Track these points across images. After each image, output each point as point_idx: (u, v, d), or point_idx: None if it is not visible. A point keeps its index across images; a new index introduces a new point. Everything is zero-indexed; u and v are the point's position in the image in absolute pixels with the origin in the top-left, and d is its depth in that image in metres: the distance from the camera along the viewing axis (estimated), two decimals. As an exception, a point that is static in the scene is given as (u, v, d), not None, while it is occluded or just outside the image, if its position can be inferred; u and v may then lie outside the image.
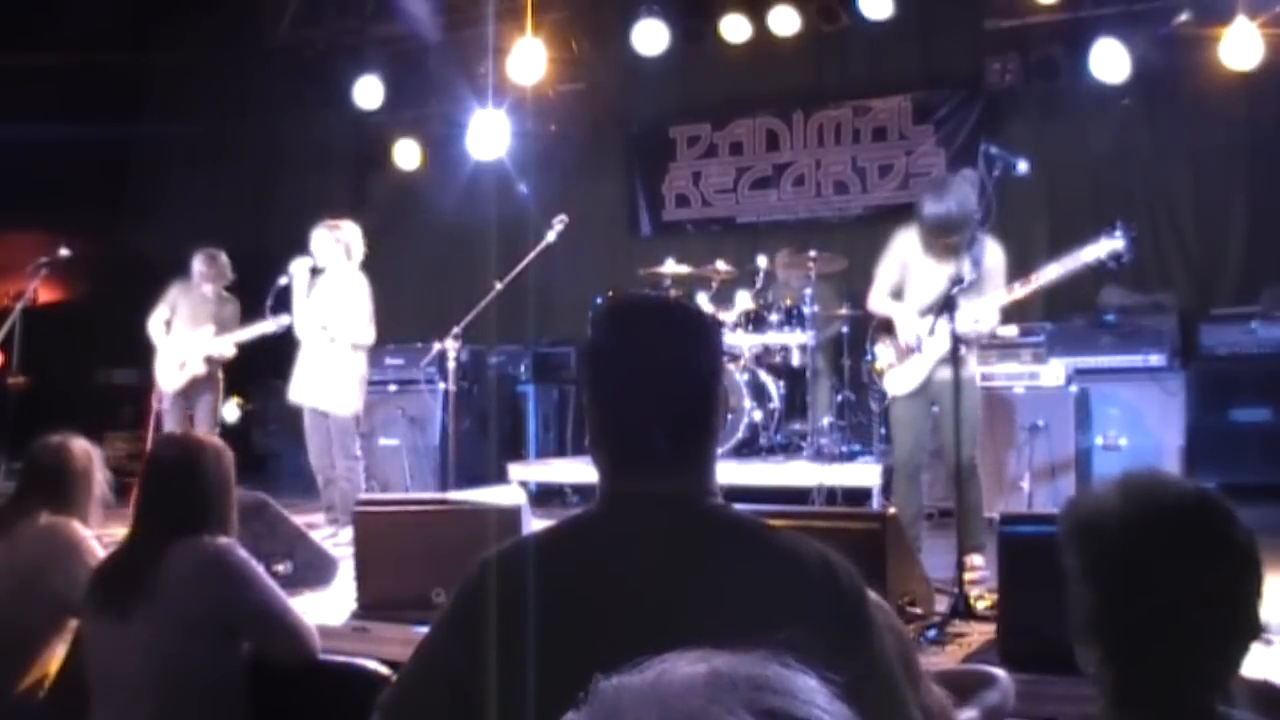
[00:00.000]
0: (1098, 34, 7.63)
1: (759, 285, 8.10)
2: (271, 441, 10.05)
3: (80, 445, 3.84)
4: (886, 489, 6.70)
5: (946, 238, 5.26)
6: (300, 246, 6.99)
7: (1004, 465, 7.01)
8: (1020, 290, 5.22)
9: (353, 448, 6.90)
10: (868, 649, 1.64)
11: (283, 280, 6.96)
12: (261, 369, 10.16)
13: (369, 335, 6.93)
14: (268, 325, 7.31)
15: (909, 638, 2.35)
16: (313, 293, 6.93)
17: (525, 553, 1.74)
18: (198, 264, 7.67)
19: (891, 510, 4.81)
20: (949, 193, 5.30)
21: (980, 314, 5.24)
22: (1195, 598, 1.50)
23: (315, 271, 6.94)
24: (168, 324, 7.64)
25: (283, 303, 7.01)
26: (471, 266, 7.31)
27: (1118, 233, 5.00)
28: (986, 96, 8.92)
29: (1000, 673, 2.63)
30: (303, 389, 7.02)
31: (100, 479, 3.88)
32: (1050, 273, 5.18)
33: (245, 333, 7.53)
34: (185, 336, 7.58)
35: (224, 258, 7.76)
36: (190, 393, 7.61)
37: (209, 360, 7.58)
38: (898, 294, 5.63)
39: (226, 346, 7.59)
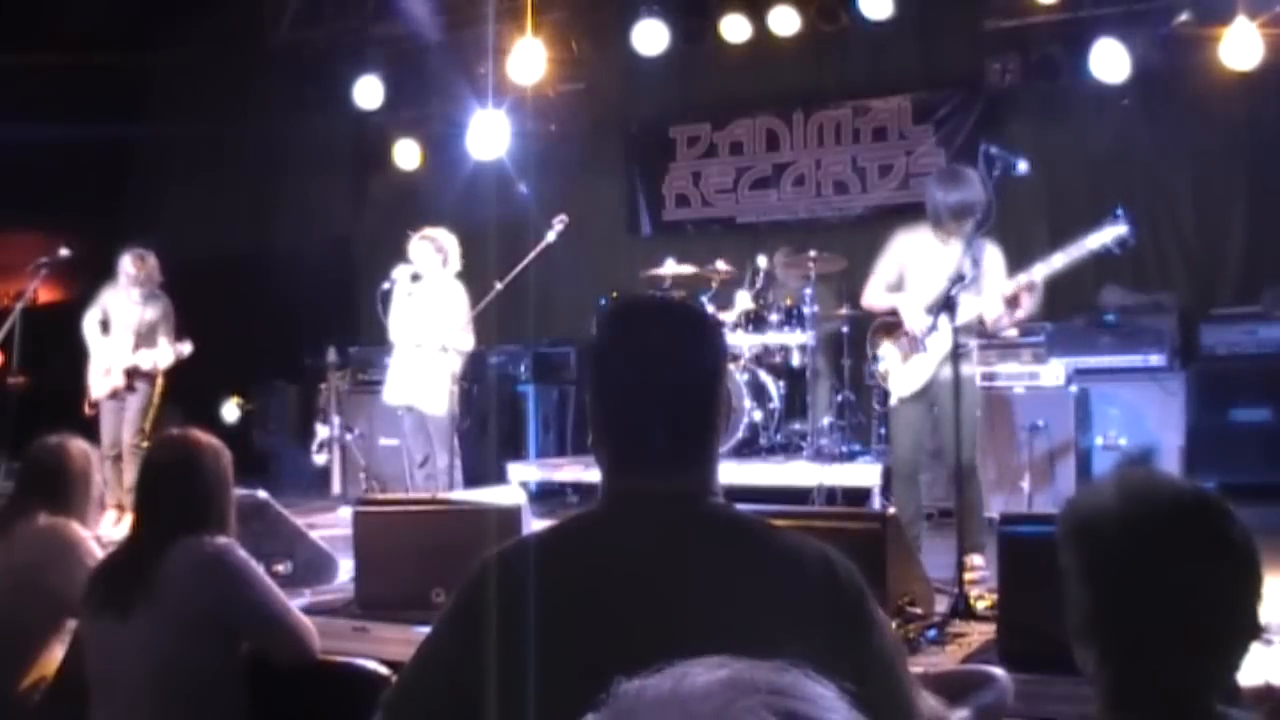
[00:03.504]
0: (1098, 34, 7.63)
1: (759, 285, 8.11)
2: (271, 441, 10.05)
3: (78, 446, 3.84)
4: (886, 489, 6.70)
5: (964, 222, 5.24)
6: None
7: (1004, 465, 7.01)
8: (1025, 279, 5.20)
9: (453, 445, 7.01)
10: (869, 646, 1.64)
11: (385, 285, 7.07)
12: (263, 369, 10.20)
13: (467, 341, 7.02)
14: (169, 353, 7.46)
15: (903, 648, 2.36)
16: (412, 299, 7.05)
17: (526, 552, 1.75)
18: (125, 264, 7.60)
19: (891, 510, 4.81)
20: (967, 179, 5.30)
21: (984, 307, 5.25)
22: (1193, 598, 1.50)
23: (415, 278, 7.06)
24: (104, 325, 7.63)
25: (385, 307, 7.11)
26: (471, 266, 7.30)
27: (1121, 218, 5.00)
28: (986, 96, 8.92)
29: (999, 672, 2.63)
30: (399, 391, 7.18)
31: (99, 479, 3.89)
32: (1056, 261, 5.17)
33: (157, 354, 7.50)
34: (112, 344, 7.59)
35: (153, 259, 7.69)
36: (120, 396, 7.61)
37: (129, 373, 7.56)
38: (894, 293, 5.64)
39: (146, 360, 7.55)
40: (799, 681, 0.79)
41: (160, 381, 7.69)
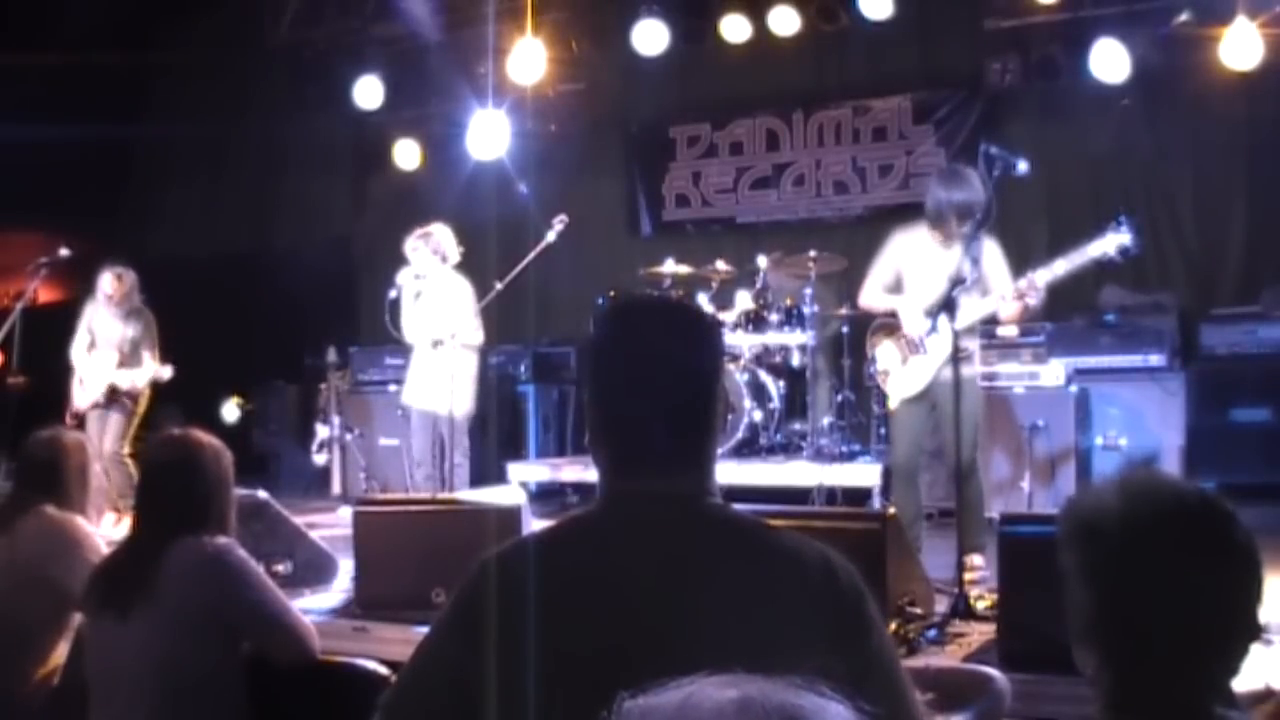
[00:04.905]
0: (1098, 34, 7.62)
1: (759, 285, 8.10)
2: (271, 441, 10.06)
3: (73, 437, 3.85)
4: (886, 489, 6.70)
5: (966, 222, 5.23)
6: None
7: (1004, 465, 7.02)
8: (1031, 291, 5.18)
9: (466, 445, 7.06)
10: (869, 648, 1.64)
11: (392, 294, 7.08)
12: (263, 369, 10.20)
13: (477, 335, 7.03)
14: (149, 374, 7.44)
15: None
16: (420, 299, 7.07)
17: (525, 553, 1.74)
18: (104, 283, 7.61)
19: (891, 510, 4.81)
20: (969, 179, 5.28)
21: (998, 306, 5.25)
22: (1195, 599, 1.50)
23: (419, 277, 7.08)
24: (90, 342, 7.64)
25: (395, 315, 7.11)
26: (472, 266, 7.31)
27: (1124, 226, 5.00)
28: (986, 96, 8.92)
29: (996, 674, 2.63)
30: (415, 392, 7.22)
31: (97, 469, 3.89)
32: (1058, 268, 5.16)
33: (137, 374, 7.49)
34: (96, 359, 7.59)
35: (131, 276, 7.69)
36: (103, 408, 7.60)
37: (111, 389, 7.55)
38: (892, 294, 5.64)
39: (125, 380, 7.53)
40: (813, 703, 0.75)
41: (145, 394, 7.69)
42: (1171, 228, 8.55)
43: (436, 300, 7.03)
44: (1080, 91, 8.12)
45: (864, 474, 7.10)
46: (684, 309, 2.05)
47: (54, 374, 7.65)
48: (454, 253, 7.12)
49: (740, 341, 7.94)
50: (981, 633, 4.17)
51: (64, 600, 3.46)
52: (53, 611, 3.57)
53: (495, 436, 9.06)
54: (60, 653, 3.60)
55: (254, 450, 9.60)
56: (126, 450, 7.51)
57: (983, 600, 4.47)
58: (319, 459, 8.90)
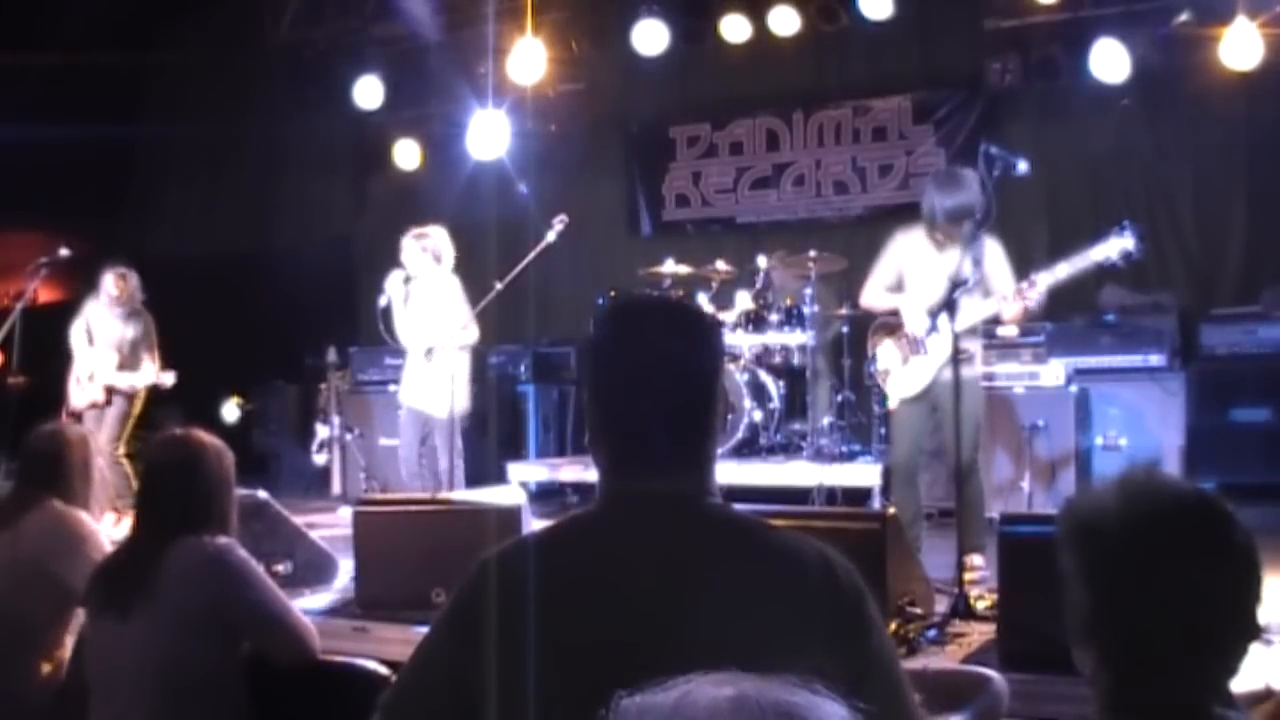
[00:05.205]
0: (1098, 34, 7.62)
1: (759, 285, 8.10)
2: (271, 441, 10.06)
3: (76, 431, 3.85)
4: (886, 489, 6.70)
5: (959, 225, 5.22)
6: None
7: (1004, 465, 7.02)
8: (1031, 291, 5.19)
9: (459, 444, 7.06)
10: (868, 647, 1.64)
11: (382, 301, 7.08)
12: (263, 369, 10.20)
13: (471, 335, 7.04)
14: (150, 377, 7.49)
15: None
16: (409, 302, 7.07)
17: (525, 552, 1.75)
18: (107, 284, 7.65)
19: (891, 510, 4.81)
20: (965, 182, 5.28)
21: (1000, 308, 5.25)
22: (1193, 600, 1.50)
23: (409, 280, 7.08)
24: (88, 336, 7.67)
25: (388, 321, 7.12)
26: (471, 266, 7.31)
27: (1127, 231, 5.01)
28: (986, 96, 8.92)
29: (994, 674, 2.64)
30: (410, 392, 7.23)
31: (100, 463, 3.89)
32: (1060, 271, 5.17)
33: (136, 377, 7.54)
34: (95, 357, 7.61)
35: (134, 278, 7.73)
36: (99, 408, 7.63)
37: (108, 390, 7.59)
38: (894, 294, 5.64)
39: (124, 382, 7.56)
40: (808, 701, 0.76)
41: (142, 394, 7.71)
42: (1171, 228, 8.55)
43: (427, 302, 7.04)
44: (1080, 91, 8.11)
45: (864, 474, 7.10)
46: (684, 309, 2.05)
47: (54, 374, 7.66)
48: (449, 255, 7.12)
49: (740, 341, 7.94)
50: (981, 633, 4.18)
51: (67, 596, 3.46)
52: (56, 607, 3.57)
53: (495, 436, 9.07)
54: (65, 648, 3.59)
55: (254, 450, 9.60)
56: (122, 450, 7.53)
57: (983, 600, 4.47)
58: (319, 459, 8.90)
